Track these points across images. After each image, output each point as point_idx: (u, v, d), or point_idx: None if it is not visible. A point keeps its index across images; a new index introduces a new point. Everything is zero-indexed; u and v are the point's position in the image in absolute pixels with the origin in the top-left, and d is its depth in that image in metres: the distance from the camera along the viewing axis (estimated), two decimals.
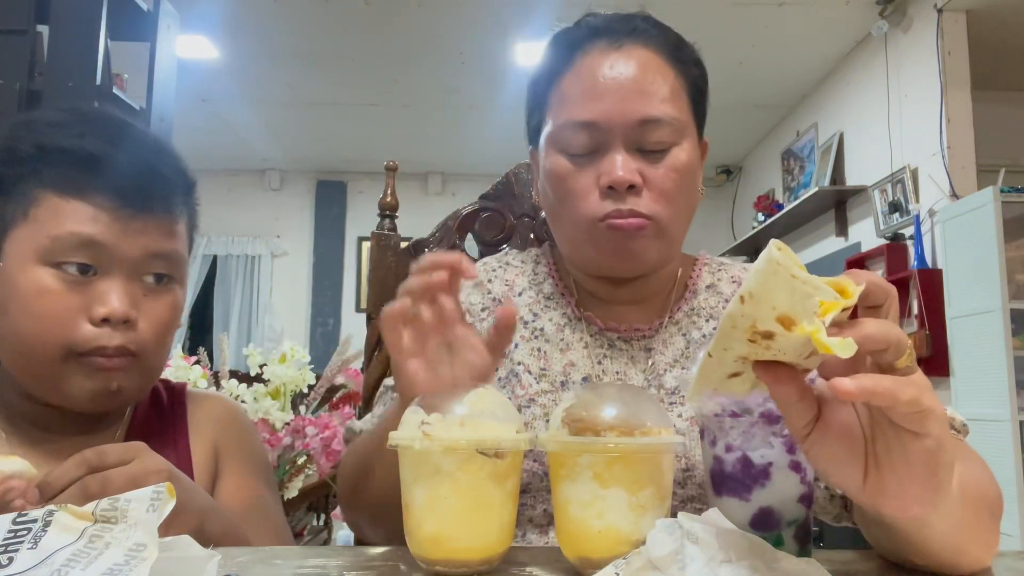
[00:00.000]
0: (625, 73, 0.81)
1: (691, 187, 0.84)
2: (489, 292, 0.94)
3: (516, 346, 0.89)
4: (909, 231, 3.75)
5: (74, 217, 0.73)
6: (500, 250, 1.14)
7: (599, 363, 0.87)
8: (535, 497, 0.79)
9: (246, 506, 0.84)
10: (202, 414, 0.90)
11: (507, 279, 0.95)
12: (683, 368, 0.87)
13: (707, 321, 0.91)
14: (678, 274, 0.93)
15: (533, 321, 0.91)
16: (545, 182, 0.86)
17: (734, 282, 0.94)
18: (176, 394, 0.91)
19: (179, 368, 1.84)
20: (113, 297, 0.73)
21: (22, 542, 0.44)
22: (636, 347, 0.89)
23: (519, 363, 0.87)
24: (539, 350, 0.88)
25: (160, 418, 0.87)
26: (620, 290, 0.89)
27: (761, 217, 5.31)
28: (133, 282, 0.76)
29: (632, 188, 0.79)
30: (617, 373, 0.87)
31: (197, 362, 1.90)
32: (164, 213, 0.78)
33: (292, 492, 1.50)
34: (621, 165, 0.79)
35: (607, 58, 0.82)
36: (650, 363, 0.87)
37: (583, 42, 0.84)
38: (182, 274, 0.81)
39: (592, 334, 0.89)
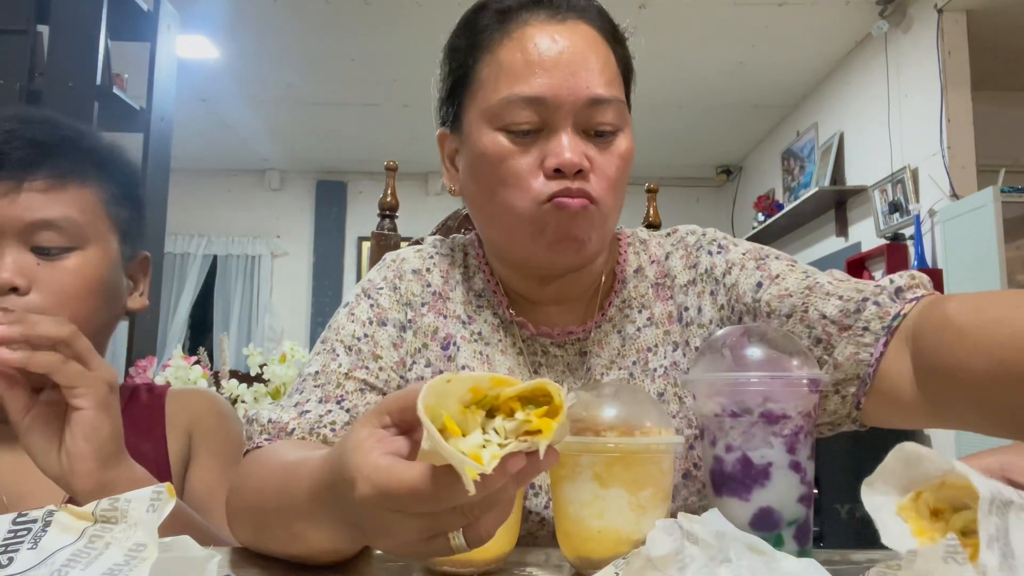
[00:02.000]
0: (572, 48, 0.75)
1: (627, 180, 0.80)
2: (428, 284, 0.87)
3: (458, 348, 0.83)
4: (909, 231, 3.75)
5: None
6: None
7: (535, 372, 0.83)
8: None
9: (208, 493, 0.84)
10: (179, 407, 0.90)
11: (443, 269, 0.88)
12: (621, 369, 0.83)
13: (640, 312, 0.86)
14: (604, 266, 0.87)
15: (470, 323, 0.85)
16: (476, 165, 0.78)
17: (653, 263, 0.89)
18: (156, 394, 0.91)
19: (179, 368, 1.84)
20: None
21: (22, 542, 0.44)
22: (571, 352, 0.84)
23: (464, 367, 0.82)
24: (481, 353, 0.83)
25: (136, 414, 0.87)
26: (548, 288, 0.83)
27: (761, 217, 5.32)
28: (23, 252, 0.75)
29: (579, 172, 0.74)
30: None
31: (197, 362, 1.90)
32: (41, 179, 0.76)
33: None
34: (570, 146, 0.73)
35: (550, 29, 0.76)
36: (585, 368, 0.83)
37: (519, 11, 0.78)
38: (86, 241, 0.78)
39: (524, 339, 0.84)
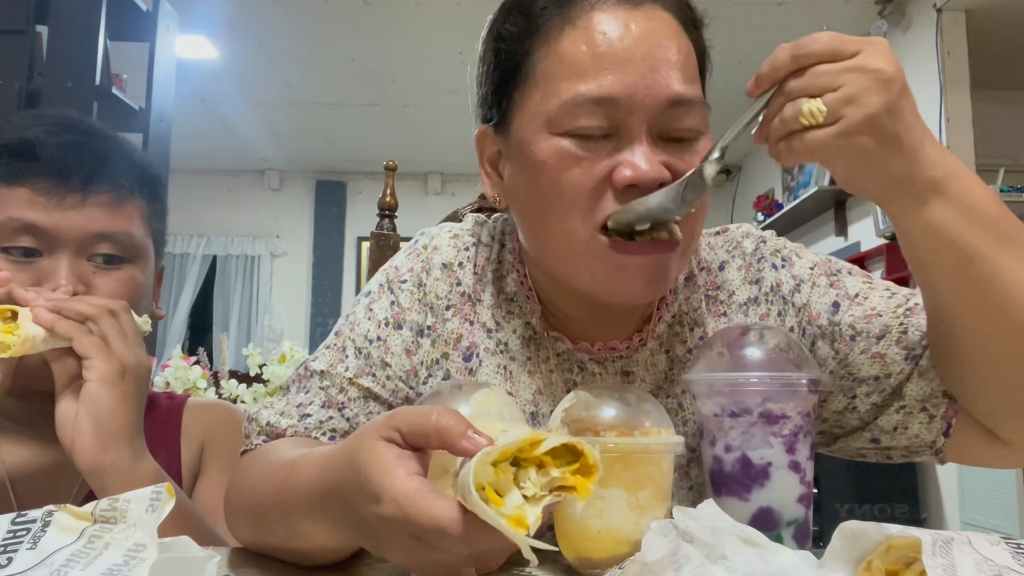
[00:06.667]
0: (649, 36, 0.63)
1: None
2: (458, 283, 0.77)
3: (480, 362, 0.75)
4: None
5: (14, 203, 0.75)
6: None
7: (568, 392, 0.73)
8: None
9: (213, 506, 0.84)
10: (196, 419, 0.91)
11: (478, 264, 0.78)
12: (669, 397, 0.76)
13: (691, 330, 0.77)
14: None
15: (496, 330, 0.76)
16: (530, 176, 0.66)
17: (703, 269, 0.79)
18: (176, 403, 0.92)
19: (179, 368, 1.84)
20: (58, 274, 0.75)
21: (21, 542, 0.44)
22: (611, 369, 0.75)
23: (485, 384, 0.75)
24: (505, 368, 0.75)
25: (153, 423, 0.88)
26: (596, 310, 0.73)
27: (761, 217, 5.31)
28: (80, 261, 0.77)
29: (659, 186, 0.63)
30: None
31: (197, 362, 1.90)
32: (105, 194, 0.79)
33: None
34: (646, 157, 0.62)
35: (624, 16, 0.64)
36: None
37: None
38: (137, 255, 0.81)
39: (559, 352, 0.75)
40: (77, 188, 0.77)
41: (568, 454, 0.45)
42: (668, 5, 0.67)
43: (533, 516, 0.41)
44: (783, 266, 0.77)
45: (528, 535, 0.41)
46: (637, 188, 0.62)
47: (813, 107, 0.55)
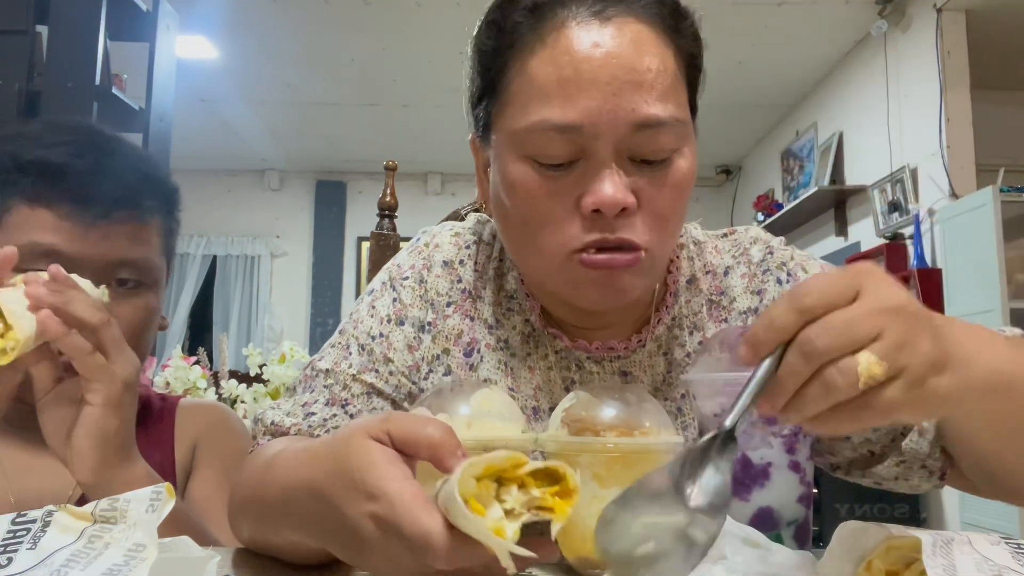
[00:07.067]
0: (616, 57, 0.61)
1: (687, 201, 0.68)
2: (459, 280, 0.77)
3: (482, 357, 0.75)
4: (909, 231, 3.75)
5: (38, 226, 0.74)
6: None
7: (567, 390, 0.76)
8: None
9: (204, 503, 0.84)
10: (189, 419, 0.91)
11: (479, 261, 0.79)
12: (667, 400, 0.76)
13: (690, 334, 0.77)
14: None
15: (497, 327, 0.76)
16: (504, 193, 0.68)
17: (708, 273, 0.79)
18: (169, 404, 0.92)
19: (179, 368, 1.84)
20: None
21: (21, 542, 0.44)
22: (609, 369, 0.76)
23: (486, 380, 0.75)
24: (506, 364, 0.75)
25: (148, 424, 0.88)
26: (591, 317, 0.75)
27: (761, 217, 5.31)
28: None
29: (624, 211, 0.63)
30: None
31: (197, 362, 1.90)
32: (128, 221, 0.78)
33: None
34: (611, 183, 0.62)
35: (590, 33, 0.62)
36: None
37: (555, 5, 0.64)
38: (154, 279, 0.81)
39: (557, 350, 0.76)
40: (101, 215, 0.76)
41: (550, 475, 0.45)
42: (645, 14, 0.64)
43: (512, 530, 0.42)
44: (788, 282, 0.76)
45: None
46: (602, 213, 0.62)
47: (872, 365, 0.45)
